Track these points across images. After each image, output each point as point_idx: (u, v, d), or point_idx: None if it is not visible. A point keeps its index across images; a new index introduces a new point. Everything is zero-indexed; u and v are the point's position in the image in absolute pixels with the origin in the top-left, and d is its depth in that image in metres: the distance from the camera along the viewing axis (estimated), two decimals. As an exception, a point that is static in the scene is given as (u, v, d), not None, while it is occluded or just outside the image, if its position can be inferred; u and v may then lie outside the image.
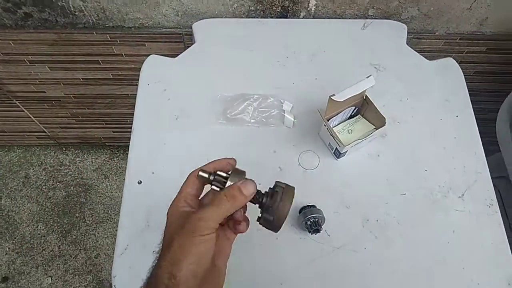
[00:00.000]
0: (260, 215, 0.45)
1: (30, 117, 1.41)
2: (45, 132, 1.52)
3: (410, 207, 0.69)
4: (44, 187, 1.62)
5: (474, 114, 0.79)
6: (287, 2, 0.89)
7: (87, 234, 1.54)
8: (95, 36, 0.98)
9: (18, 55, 1.05)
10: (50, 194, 1.61)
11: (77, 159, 1.67)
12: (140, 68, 0.82)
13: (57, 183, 1.63)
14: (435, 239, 0.67)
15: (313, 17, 0.94)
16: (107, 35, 0.97)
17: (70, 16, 0.92)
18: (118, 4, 0.88)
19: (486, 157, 0.74)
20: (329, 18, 0.93)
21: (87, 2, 0.88)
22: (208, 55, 0.84)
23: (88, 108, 1.34)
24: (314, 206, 0.67)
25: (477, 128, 0.76)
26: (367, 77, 0.66)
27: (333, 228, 0.67)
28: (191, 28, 0.89)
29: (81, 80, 1.17)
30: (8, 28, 0.95)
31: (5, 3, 0.87)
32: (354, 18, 0.94)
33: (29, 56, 1.06)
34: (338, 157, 0.72)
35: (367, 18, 0.93)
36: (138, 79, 0.81)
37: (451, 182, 0.71)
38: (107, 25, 0.95)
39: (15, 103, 1.31)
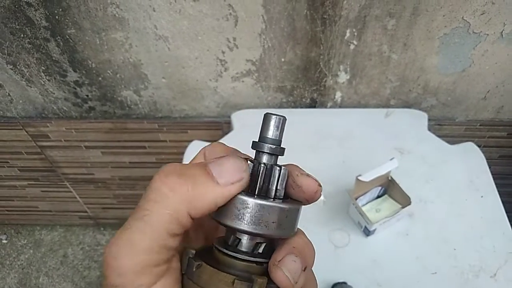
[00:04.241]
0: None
1: (76, 198, 1.52)
2: (86, 212, 1.62)
3: (441, 286, 0.70)
4: (80, 266, 1.67)
5: (504, 197, 0.81)
6: (315, 94, 1.01)
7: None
8: (145, 124, 1.11)
9: (77, 142, 1.19)
10: (85, 273, 1.65)
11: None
12: (182, 152, 0.92)
13: (92, 263, 1.68)
14: (471, 321, 0.67)
15: (339, 107, 1.04)
16: (156, 124, 1.10)
17: (127, 108, 1.06)
18: (168, 98, 1.02)
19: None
20: (354, 107, 1.03)
21: (143, 97, 1.02)
22: (244, 141, 0.93)
23: (130, 190, 1.45)
24: (345, 283, 0.69)
25: (503, 209, 0.79)
26: (391, 160, 0.72)
27: (366, 306, 0.68)
28: (229, 117, 1.00)
29: (128, 163, 1.29)
30: (74, 119, 1.10)
31: (75, 99, 1.03)
32: (377, 107, 1.03)
33: (86, 142, 1.19)
34: (367, 235, 0.76)
35: (389, 108, 1.02)
36: (179, 162, 0.90)
37: (482, 262, 0.72)
38: (156, 116, 1.09)
39: (65, 184, 1.43)
